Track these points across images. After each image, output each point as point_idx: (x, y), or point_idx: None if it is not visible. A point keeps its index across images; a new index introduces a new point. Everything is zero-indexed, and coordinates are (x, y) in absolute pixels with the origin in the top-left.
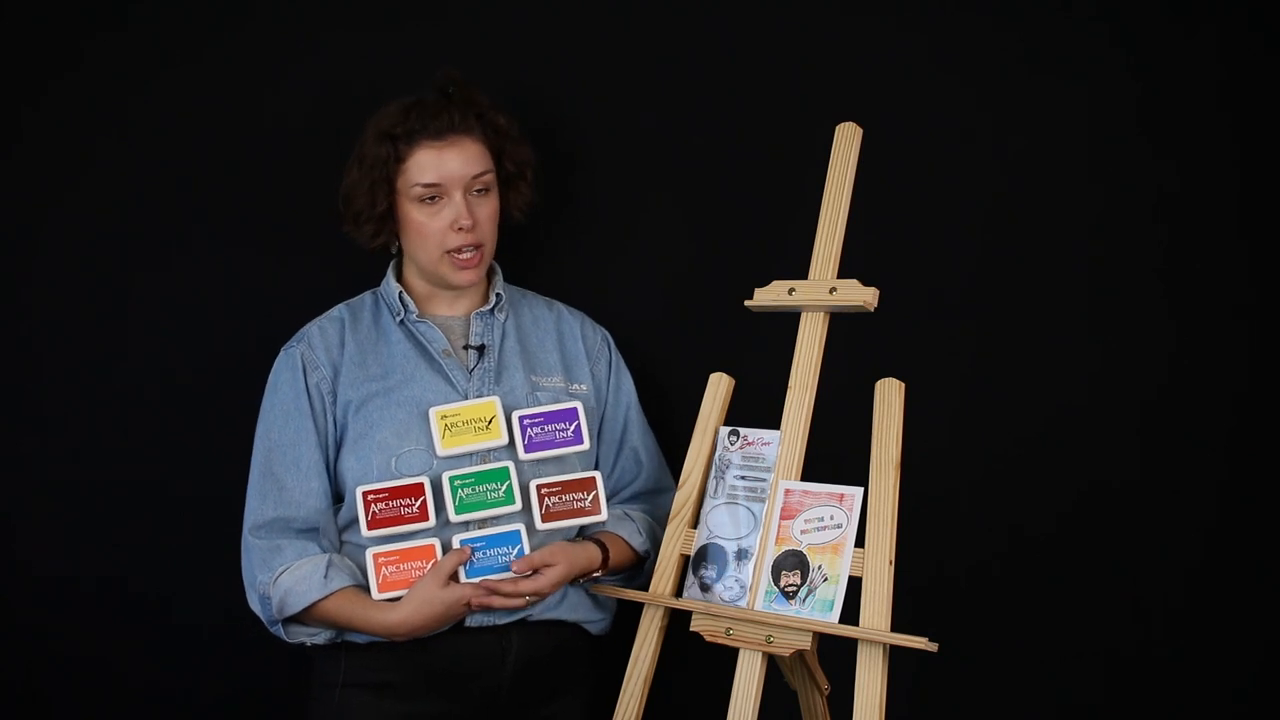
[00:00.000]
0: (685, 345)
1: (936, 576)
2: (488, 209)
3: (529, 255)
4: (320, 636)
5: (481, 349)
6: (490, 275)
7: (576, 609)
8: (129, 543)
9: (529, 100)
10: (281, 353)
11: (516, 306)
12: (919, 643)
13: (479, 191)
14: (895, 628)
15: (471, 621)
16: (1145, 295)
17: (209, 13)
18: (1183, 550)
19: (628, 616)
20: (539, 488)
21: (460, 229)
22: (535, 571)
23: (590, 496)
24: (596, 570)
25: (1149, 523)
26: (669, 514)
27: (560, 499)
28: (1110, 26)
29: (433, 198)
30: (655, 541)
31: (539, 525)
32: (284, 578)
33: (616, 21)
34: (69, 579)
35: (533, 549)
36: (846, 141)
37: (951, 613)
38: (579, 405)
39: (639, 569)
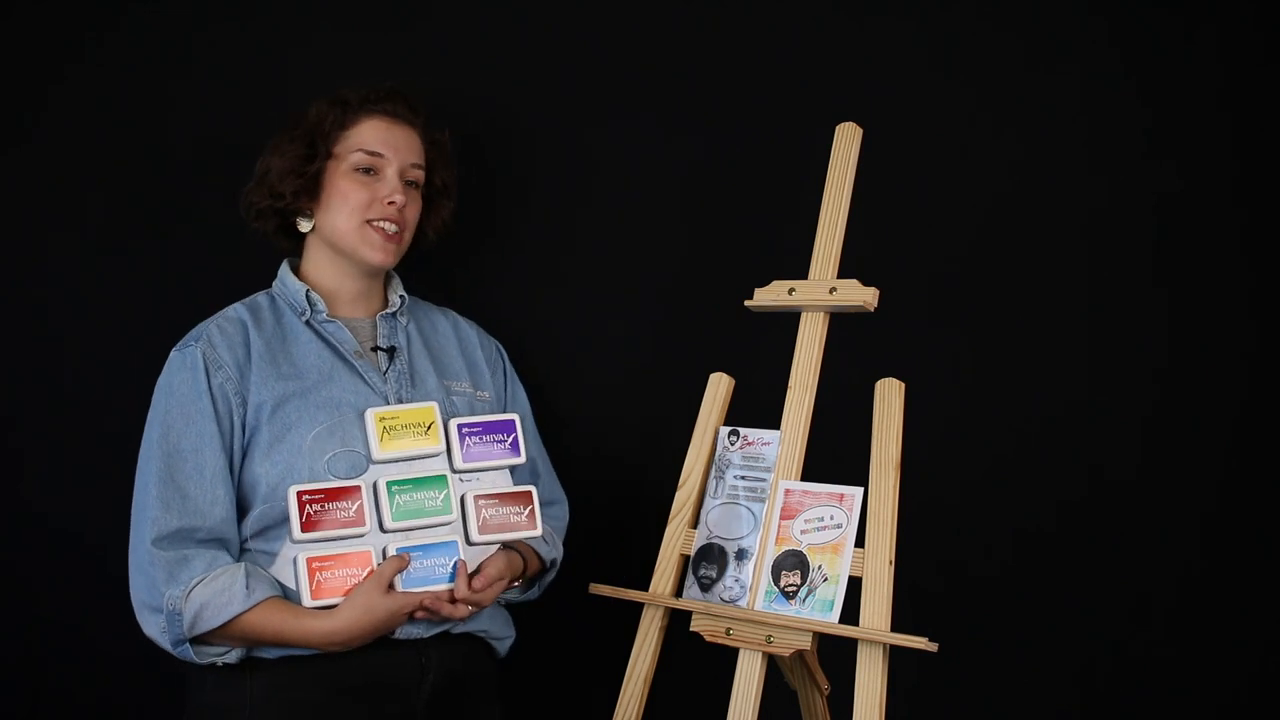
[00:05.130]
0: (685, 345)
1: (936, 576)
2: (415, 206)
3: (528, 254)
4: (232, 655)
5: (392, 351)
6: (388, 280)
7: (493, 619)
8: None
9: (529, 99)
10: (174, 352)
11: (415, 312)
12: (919, 643)
13: (410, 184)
14: (895, 628)
15: (400, 633)
16: (1145, 295)
17: (209, 13)
18: (1183, 550)
19: (625, 618)
20: (476, 499)
21: (390, 203)
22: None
23: (526, 511)
24: (518, 581)
25: (1149, 522)
26: (564, 527)
27: (497, 512)
28: (1110, 26)
29: (369, 170)
30: (559, 551)
31: (475, 537)
32: (198, 591)
33: (617, 22)
34: (69, 579)
35: (467, 561)
36: (846, 141)
37: (951, 613)
38: (516, 418)
39: (538, 579)
